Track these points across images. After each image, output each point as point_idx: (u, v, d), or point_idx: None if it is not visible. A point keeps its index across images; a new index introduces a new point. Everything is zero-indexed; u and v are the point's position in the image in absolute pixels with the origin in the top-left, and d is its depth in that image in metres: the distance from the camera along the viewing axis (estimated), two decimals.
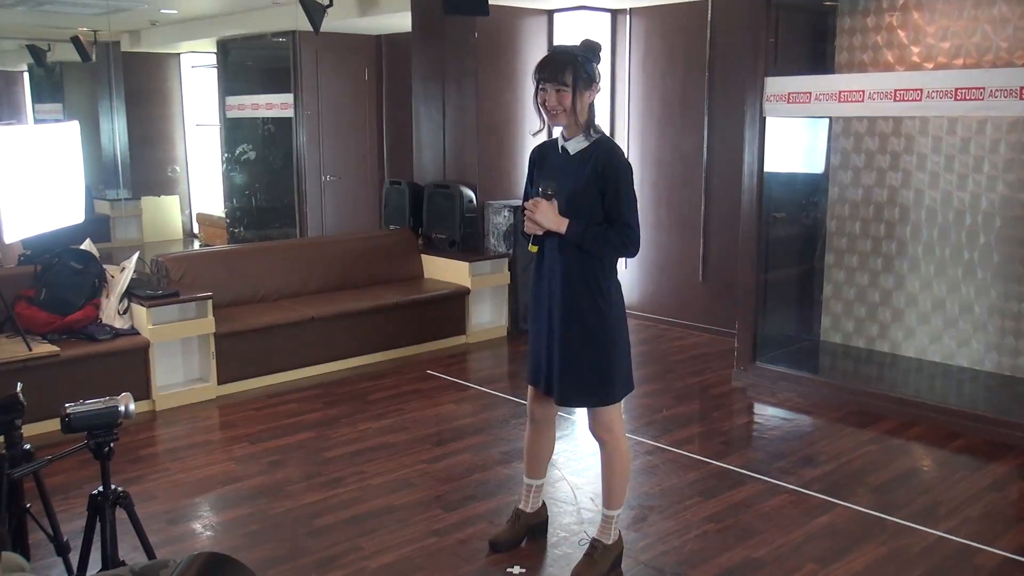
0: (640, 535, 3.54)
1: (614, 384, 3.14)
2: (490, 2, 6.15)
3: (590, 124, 3.06)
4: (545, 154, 3.18)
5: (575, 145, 3.07)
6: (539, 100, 3.03)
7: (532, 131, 3.28)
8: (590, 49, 3.03)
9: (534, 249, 3.11)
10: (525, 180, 3.29)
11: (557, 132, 3.15)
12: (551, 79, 2.98)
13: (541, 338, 3.19)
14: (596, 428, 3.21)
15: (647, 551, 3.42)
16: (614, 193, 3.02)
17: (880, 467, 4.24)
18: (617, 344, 3.14)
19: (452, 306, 6.46)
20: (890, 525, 3.63)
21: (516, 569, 3.30)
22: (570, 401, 3.20)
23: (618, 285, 3.18)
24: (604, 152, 3.04)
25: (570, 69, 2.97)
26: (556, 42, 6.82)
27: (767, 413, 5.07)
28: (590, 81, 3.02)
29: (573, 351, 3.10)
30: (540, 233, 3.04)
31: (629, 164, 3.10)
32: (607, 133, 5.12)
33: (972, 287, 5.29)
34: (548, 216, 3.00)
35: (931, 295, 5.48)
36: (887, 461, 4.32)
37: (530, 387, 3.33)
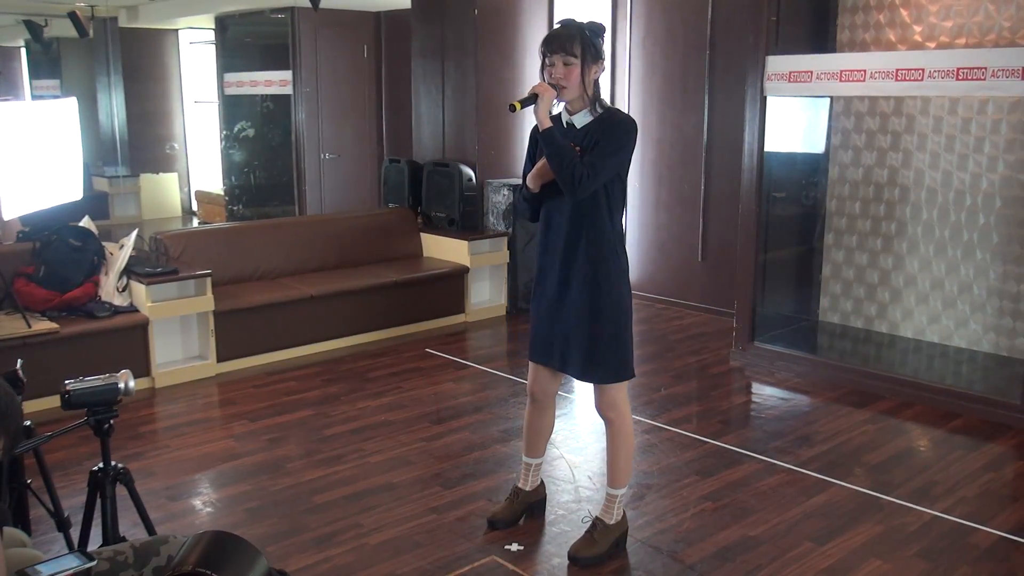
0: (638, 513, 3.56)
1: (629, 359, 3.15)
2: None
3: (596, 99, 3.03)
4: None
5: (581, 119, 3.03)
6: (547, 75, 2.99)
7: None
8: (596, 26, 3.03)
9: (517, 105, 2.97)
10: (525, 158, 3.24)
11: (558, 109, 3.11)
12: (559, 50, 2.95)
13: (554, 314, 3.14)
14: (602, 406, 3.20)
15: (644, 529, 3.44)
16: (599, 141, 2.96)
17: (877, 447, 4.26)
18: (630, 318, 3.16)
19: (451, 285, 6.46)
20: (886, 504, 3.65)
21: (514, 546, 3.32)
22: (591, 377, 3.16)
23: (627, 258, 3.17)
24: (609, 118, 3.02)
25: (578, 41, 2.95)
26: (555, 21, 6.78)
27: (765, 393, 5.09)
28: (597, 56, 3.00)
29: (595, 326, 3.07)
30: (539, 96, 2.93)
31: (630, 128, 3.03)
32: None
33: (971, 268, 5.30)
34: (545, 102, 2.92)
35: (930, 275, 5.48)
36: (884, 441, 4.34)
37: (532, 365, 3.32)
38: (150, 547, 2.12)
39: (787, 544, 3.33)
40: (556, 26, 3.03)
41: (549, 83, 2.97)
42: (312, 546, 3.32)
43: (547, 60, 2.99)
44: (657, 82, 6.86)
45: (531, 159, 3.17)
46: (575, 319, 3.10)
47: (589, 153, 2.94)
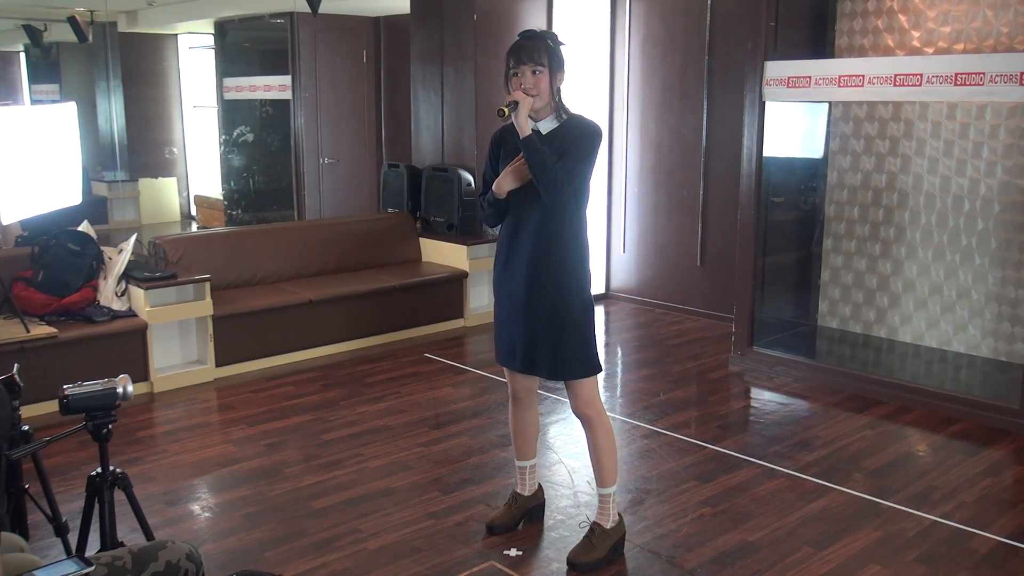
0: (637, 518, 3.56)
1: (596, 353, 3.23)
2: None
3: (561, 106, 3.13)
4: (508, 136, 3.19)
5: (547, 125, 3.11)
6: (513, 85, 3.06)
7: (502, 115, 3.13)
8: (555, 36, 3.14)
9: (505, 111, 3.01)
10: (485, 164, 3.30)
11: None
12: (527, 60, 3.03)
13: (523, 315, 3.18)
14: (579, 405, 3.24)
15: (643, 534, 3.44)
16: (568, 147, 3.05)
17: (876, 452, 4.26)
18: (594, 313, 3.25)
19: (450, 289, 6.46)
20: (885, 509, 3.65)
21: (513, 552, 3.32)
22: (562, 374, 3.21)
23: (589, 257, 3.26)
24: (575, 125, 3.11)
25: (544, 51, 3.05)
26: (555, 26, 6.80)
27: (764, 398, 5.08)
28: (561, 64, 3.11)
29: (563, 324, 3.14)
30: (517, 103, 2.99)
31: (596, 134, 3.13)
32: (604, 118, 4.94)
33: (970, 273, 5.30)
34: (524, 109, 2.99)
35: (929, 281, 5.48)
36: (883, 446, 4.34)
37: (506, 368, 3.35)
38: (148, 552, 2.12)
39: (786, 549, 3.33)
40: (518, 38, 3.11)
41: (523, 90, 3.04)
42: (310, 551, 3.31)
43: (514, 70, 3.06)
44: (656, 87, 6.87)
45: (492, 166, 3.24)
46: (545, 320, 3.15)
47: (562, 158, 3.03)
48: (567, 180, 3.01)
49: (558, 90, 3.11)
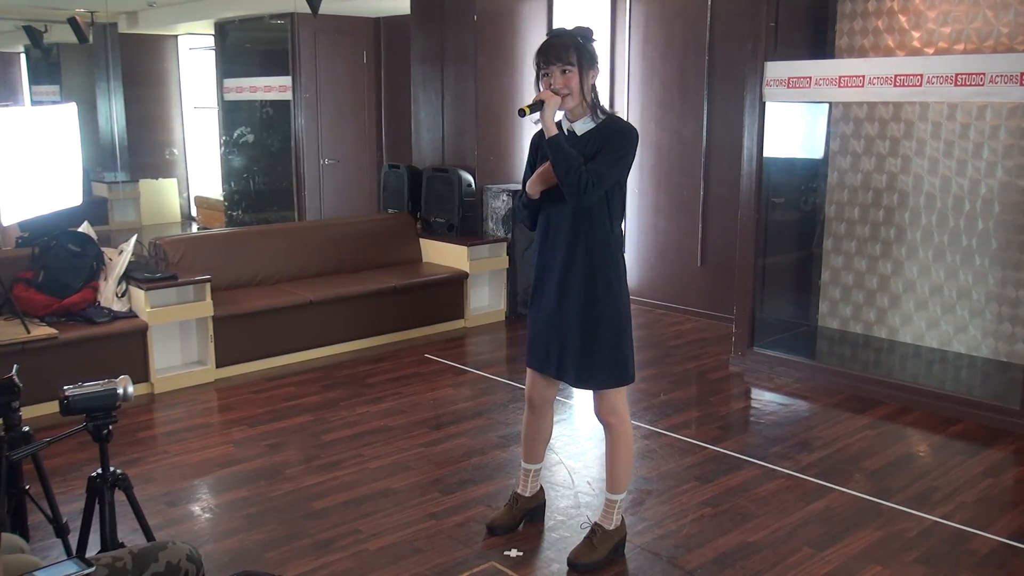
0: (637, 519, 3.56)
1: (629, 363, 3.16)
2: None
3: (596, 105, 3.04)
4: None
5: (582, 126, 3.04)
6: (543, 86, 2.99)
7: (533, 121, 3.08)
8: (586, 31, 3.05)
9: (526, 110, 2.97)
10: (525, 165, 3.25)
11: (557, 117, 3.11)
12: (556, 60, 2.96)
13: (552, 321, 3.15)
14: (602, 411, 3.21)
15: (644, 535, 3.44)
16: (602, 149, 2.98)
17: (876, 452, 4.25)
18: (630, 322, 3.17)
19: (450, 290, 6.46)
20: (886, 510, 3.65)
21: (513, 552, 3.31)
22: (589, 383, 3.17)
23: (625, 264, 3.19)
24: (611, 126, 3.04)
25: (573, 49, 2.96)
26: (555, 26, 6.81)
27: (764, 398, 5.08)
28: (592, 61, 3.02)
29: (592, 333, 3.08)
30: (544, 101, 2.94)
31: (632, 136, 3.04)
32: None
33: (970, 273, 5.30)
34: (551, 109, 2.94)
35: (929, 281, 5.48)
36: (883, 446, 4.34)
37: (530, 372, 3.32)
38: (149, 553, 2.12)
39: (786, 550, 3.32)
40: (547, 37, 3.05)
41: (552, 90, 2.97)
42: (311, 552, 3.31)
43: (543, 70, 2.99)
44: (656, 88, 6.87)
45: (531, 167, 3.17)
46: (573, 326, 3.10)
47: (593, 160, 2.95)
48: (593, 183, 2.91)
49: (592, 88, 3.02)
